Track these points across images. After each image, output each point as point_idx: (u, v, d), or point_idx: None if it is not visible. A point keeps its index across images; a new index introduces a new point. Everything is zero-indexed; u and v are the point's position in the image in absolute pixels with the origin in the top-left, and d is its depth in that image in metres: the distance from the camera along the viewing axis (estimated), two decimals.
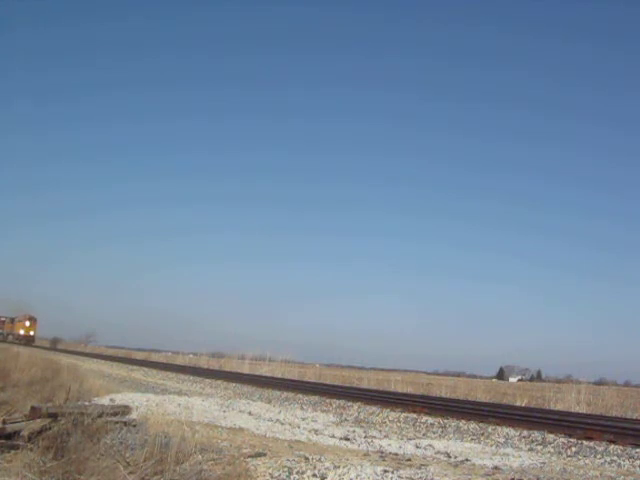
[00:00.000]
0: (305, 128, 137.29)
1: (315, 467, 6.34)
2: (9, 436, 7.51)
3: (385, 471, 6.20)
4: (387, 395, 19.87)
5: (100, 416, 8.30)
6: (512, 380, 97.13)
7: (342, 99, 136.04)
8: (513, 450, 9.35)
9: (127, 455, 6.56)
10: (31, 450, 7.03)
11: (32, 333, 71.01)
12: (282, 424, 10.90)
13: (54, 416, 7.97)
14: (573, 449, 9.47)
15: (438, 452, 8.56)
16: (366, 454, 7.80)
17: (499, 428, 11.41)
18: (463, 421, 12.29)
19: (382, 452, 8.12)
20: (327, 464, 6.47)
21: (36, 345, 62.60)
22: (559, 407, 19.32)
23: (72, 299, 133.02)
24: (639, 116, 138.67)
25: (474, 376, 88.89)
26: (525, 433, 10.81)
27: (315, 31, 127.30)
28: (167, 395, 15.04)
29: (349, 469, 6.22)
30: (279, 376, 32.60)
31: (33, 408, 8.26)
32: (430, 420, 12.70)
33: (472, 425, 11.86)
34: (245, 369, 38.31)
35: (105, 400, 12.06)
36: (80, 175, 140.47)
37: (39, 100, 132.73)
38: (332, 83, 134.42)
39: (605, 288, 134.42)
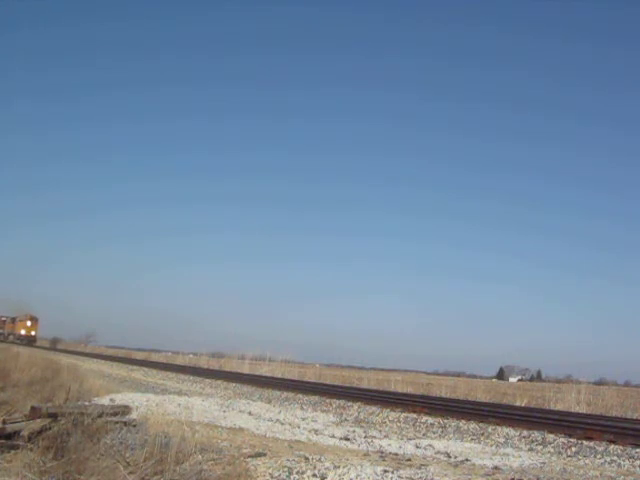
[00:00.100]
0: (305, 128, 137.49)
1: (315, 467, 6.34)
2: (9, 436, 7.51)
3: (385, 471, 6.20)
4: (387, 395, 19.87)
5: (100, 416, 8.30)
6: (512, 380, 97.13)
7: (342, 99, 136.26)
8: (513, 450, 9.35)
9: (127, 455, 6.56)
10: (31, 450, 7.03)
11: (33, 333, 70.23)
12: (282, 424, 10.90)
13: (54, 416, 7.97)
14: (573, 449, 9.47)
15: (438, 452, 8.56)
16: (366, 454, 7.80)
17: (499, 428, 11.41)
18: (463, 421, 12.29)
19: (382, 452, 8.12)
20: (327, 464, 6.47)
21: (36, 345, 62.36)
22: (559, 407, 19.32)
23: (72, 299, 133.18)
24: (639, 116, 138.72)
25: (474, 376, 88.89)
26: (525, 433, 10.81)
27: (315, 31, 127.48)
28: (167, 395, 15.04)
29: (349, 469, 6.23)
30: (279, 376, 32.59)
31: (33, 408, 8.26)
32: (430, 420, 12.70)
33: (472, 425, 11.86)
34: (245, 369, 38.31)
35: (105, 400, 12.06)
36: (80, 175, 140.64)
37: (39, 100, 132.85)
38: (332, 83, 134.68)
39: (605, 288, 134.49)
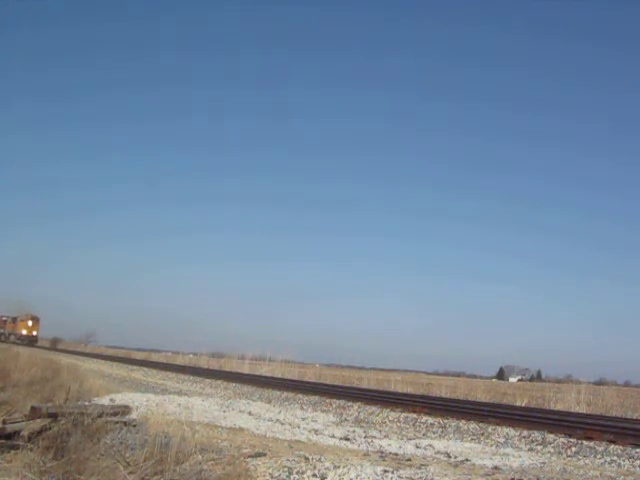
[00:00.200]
0: (305, 128, 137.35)
1: (315, 467, 6.35)
2: (9, 436, 7.51)
3: (385, 471, 6.20)
4: (387, 395, 19.88)
5: (100, 416, 8.31)
6: (512, 380, 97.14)
7: (342, 99, 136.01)
8: (513, 450, 9.35)
9: (127, 455, 6.56)
10: (31, 450, 7.03)
11: (35, 333, 69.30)
12: (282, 424, 10.90)
13: (54, 416, 7.97)
14: (573, 449, 9.47)
15: (438, 452, 8.56)
16: (366, 454, 7.80)
17: (499, 428, 11.41)
18: (463, 421, 12.29)
19: (382, 452, 8.12)
20: (327, 464, 6.48)
21: (37, 345, 62.22)
22: (559, 407, 19.32)
23: (72, 299, 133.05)
24: (639, 116, 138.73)
25: (474, 376, 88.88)
26: (525, 433, 10.81)
27: (315, 31, 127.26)
28: (167, 395, 15.05)
29: (349, 469, 6.23)
30: (279, 376, 32.60)
31: (33, 408, 8.26)
32: (430, 420, 12.70)
33: (472, 425, 11.87)
34: (245, 369, 38.31)
35: (105, 400, 12.06)
36: (80, 175, 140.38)
37: (39, 100, 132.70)
38: (332, 83, 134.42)
39: (605, 288, 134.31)
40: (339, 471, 6.18)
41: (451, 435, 11.03)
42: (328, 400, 16.59)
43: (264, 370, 37.42)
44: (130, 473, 5.85)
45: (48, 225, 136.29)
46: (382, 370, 68.25)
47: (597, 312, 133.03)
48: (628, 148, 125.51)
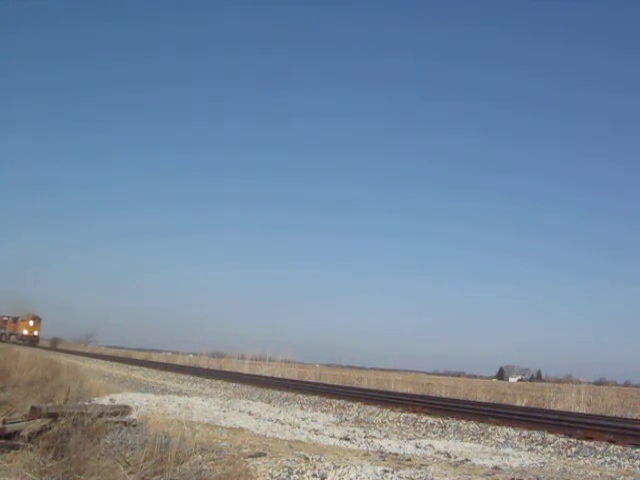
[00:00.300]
0: (305, 128, 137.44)
1: (315, 467, 6.35)
2: (9, 436, 7.51)
3: (385, 471, 6.20)
4: (387, 395, 19.87)
5: (100, 416, 8.30)
6: (512, 380, 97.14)
7: (342, 99, 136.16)
8: (513, 450, 9.35)
9: (127, 455, 6.56)
10: (31, 450, 7.03)
11: (36, 333, 68.56)
12: (282, 424, 10.90)
13: (54, 416, 7.97)
14: (573, 449, 9.47)
15: (438, 452, 8.56)
16: (366, 454, 7.80)
17: (499, 428, 11.41)
18: (463, 421, 12.29)
19: (382, 452, 8.12)
20: (327, 464, 6.48)
21: (37, 345, 61.96)
22: (559, 407, 19.32)
23: (72, 299, 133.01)
24: (639, 116, 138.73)
25: (474, 376, 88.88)
26: (525, 433, 10.81)
27: (315, 31, 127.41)
28: (167, 395, 15.05)
29: (349, 469, 6.23)
30: (279, 376, 32.60)
31: (33, 408, 8.26)
32: (430, 420, 12.70)
33: (472, 425, 11.86)
34: (245, 369, 38.31)
35: (105, 400, 12.06)
36: (80, 175, 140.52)
37: (39, 100, 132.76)
38: (332, 83, 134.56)
39: (605, 288, 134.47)
40: (339, 471, 6.18)
41: (451, 435, 11.03)
42: (328, 400, 16.58)
43: (264, 370, 37.41)
44: (130, 473, 5.85)
45: (48, 225, 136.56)
46: (382, 370, 68.27)
47: (597, 312, 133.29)
48: (628, 148, 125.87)
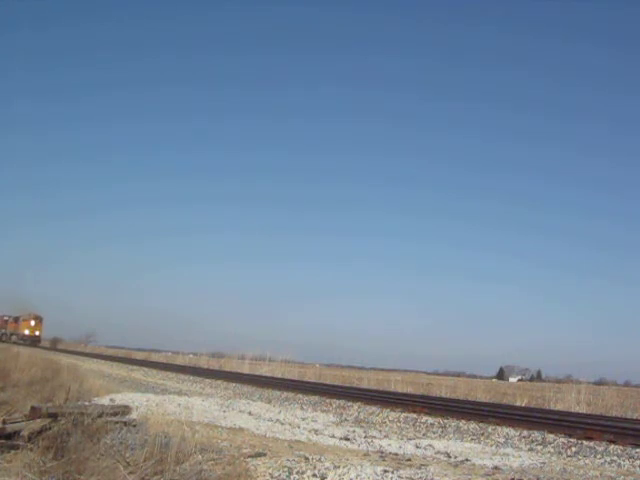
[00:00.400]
0: (305, 128, 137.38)
1: (315, 467, 6.35)
2: (9, 436, 7.51)
3: (385, 471, 6.20)
4: (387, 395, 19.87)
5: (100, 416, 8.30)
6: (512, 380, 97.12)
7: (342, 99, 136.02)
8: (513, 450, 9.35)
9: (127, 455, 6.56)
10: (31, 450, 7.03)
11: (38, 333, 67.70)
12: (282, 424, 10.90)
13: (54, 416, 7.97)
14: (573, 449, 9.47)
15: (438, 452, 8.56)
16: (366, 454, 7.80)
17: (499, 428, 11.41)
18: (463, 421, 12.29)
19: (382, 452, 8.12)
20: (327, 464, 6.48)
21: (39, 345, 61.43)
22: (559, 407, 19.32)
23: (72, 299, 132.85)
24: (639, 116, 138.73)
25: (474, 376, 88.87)
26: (525, 433, 10.81)
27: (315, 31, 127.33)
28: (167, 395, 15.05)
29: (349, 469, 6.23)
30: (279, 376, 32.59)
31: (33, 408, 8.26)
32: (430, 420, 12.70)
33: (472, 425, 11.86)
34: (245, 369, 38.30)
35: (105, 400, 12.06)
36: (80, 175, 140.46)
37: (39, 100, 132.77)
38: (332, 83, 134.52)
39: (605, 288, 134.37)
40: (339, 471, 6.18)
41: (451, 435, 11.03)
42: (328, 400, 16.58)
43: (264, 370, 37.41)
44: (130, 473, 5.85)
45: (48, 225, 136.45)
46: (382, 370, 68.23)
47: (597, 312, 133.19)
48: (628, 148, 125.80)
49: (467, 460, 7.77)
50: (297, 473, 6.14)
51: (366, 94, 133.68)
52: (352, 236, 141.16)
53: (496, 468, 7.15)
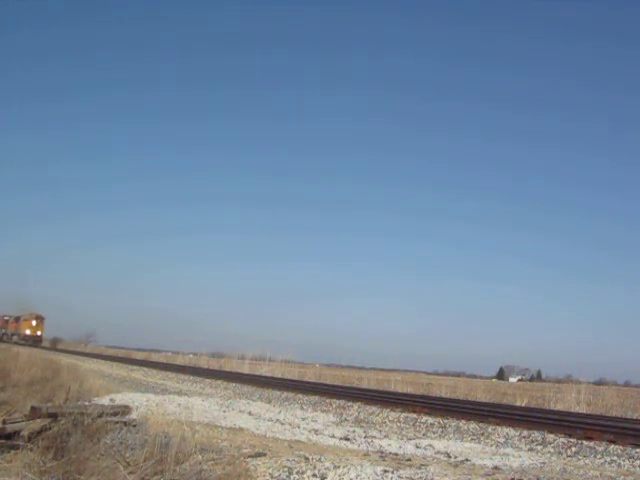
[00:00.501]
0: (305, 128, 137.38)
1: (315, 467, 6.35)
2: (9, 436, 7.51)
3: (385, 471, 6.20)
4: (387, 395, 19.87)
5: (100, 416, 8.31)
6: (512, 380, 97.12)
7: (342, 99, 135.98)
8: (513, 450, 9.35)
9: (127, 455, 6.56)
10: (31, 450, 7.03)
11: (39, 333, 66.66)
12: (282, 424, 10.90)
13: (54, 416, 7.97)
14: (573, 449, 9.47)
15: (438, 452, 8.56)
16: (366, 454, 7.80)
17: (499, 428, 11.41)
18: (463, 421, 12.29)
19: (382, 452, 8.12)
20: (327, 464, 6.48)
21: (40, 346, 60.79)
22: (559, 407, 19.32)
23: (72, 299, 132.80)
24: (639, 116, 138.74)
25: (474, 376, 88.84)
26: (525, 433, 10.81)
27: (315, 31, 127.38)
28: (167, 395, 15.05)
29: (349, 469, 6.23)
30: (279, 376, 32.59)
31: (33, 408, 8.26)
32: (430, 420, 12.70)
33: (472, 425, 11.86)
34: (245, 369, 38.30)
35: (105, 400, 12.06)
36: (80, 175, 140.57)
37: (39, 100, 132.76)
38: (332, 83, 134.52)
39: (605, 288, 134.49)
40: (339, 471, 6.18)
41: (451, 435, 11.03)
42: (328, 400, 16.58)
43: (264, 370, 37.41)
44: (130, 473, 5.85)
45: (48, 225, 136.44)
46: (382, 370, 68.20)
47: (597, 312, 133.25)
48: (628, 148, 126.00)
49: (467, 460, 7.77)
50: (297, 473, 6.15)
51: (366, 94, 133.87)
52: (352, 236, 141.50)
53: (496, 468, 7.15)
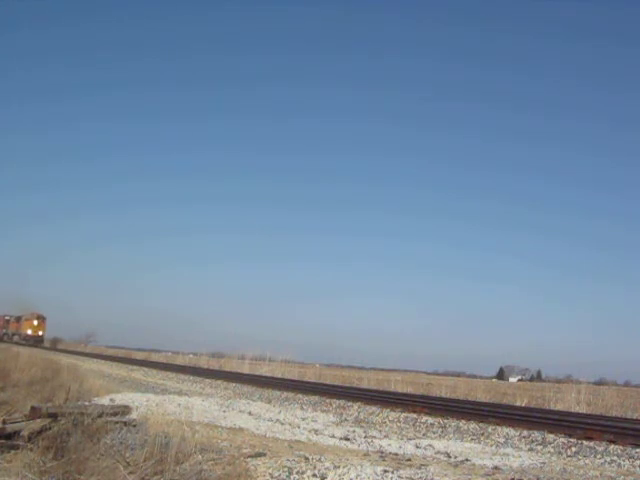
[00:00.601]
0: (305, 128, 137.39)
1: (315, 467, 6.35)
2: (9, 436, 7.51)
3: (385, 471, 6.21)
4: (387, 395, 19.87)
5: (100, 416, 8.31)
6: (512, 380, 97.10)
7: (342, 99, 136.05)
8: (513, 450, 9.35)
9: (127, 455, 6.57)
10: (31, 450, 7.04)
11: (41, 333, 66.04)
12: (282, 424, 10.90)
13: (54, 416, 7.97)
14: (573, 449, 9.47)
15: (438, 452, 8.56)
16: (366, 454, 7.80)
17: (499, 428, 11.41)
18: (463, 421, 12.29)
19: (382, 452, 8.13)
20: (327, 464, 6.48)
21: (42, 346, 60.47)
22: (559, 407, 19.32)
23: (72, 299, 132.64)
24: (639, 116, 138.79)
25: (474, 376, 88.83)
26: (525, 433, 10.81)
27: (315, 31, 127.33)
28: (167, 395, 15.05)
29: (349, 469, 6.23)
30: (279, 376, 32.59)
31: (33, 408, 8.27)
32: (430, 420, 12.70)
33: (472, 425, 11.86)
34: (245, 369, 38.30)
35: (105, 400, 12.06)
36: (80, 175, 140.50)
37: (39, 100, 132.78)
38: (332, 83, 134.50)
39: (605, 288, 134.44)
40: (339, 471, 6.18)
41: (451, 435, 11.03)
42: (328, 400, 16.58)
43: (264, 370, 37.41)
44: (130, 473, 5.86)
45: (48, 225, 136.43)
46: (382, 370, 68.19)
47: (597, 312, 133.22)
48: (628, 148, 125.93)
49: (467, 460, 7.77)
50: (297, 473, 6.15)
51: (366, 94, 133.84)
52: (352, 236, 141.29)
53: (496, 468, 7.15)
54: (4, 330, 68.11)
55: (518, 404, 20.26)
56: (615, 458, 8.72)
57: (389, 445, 8.98)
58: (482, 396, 23.89)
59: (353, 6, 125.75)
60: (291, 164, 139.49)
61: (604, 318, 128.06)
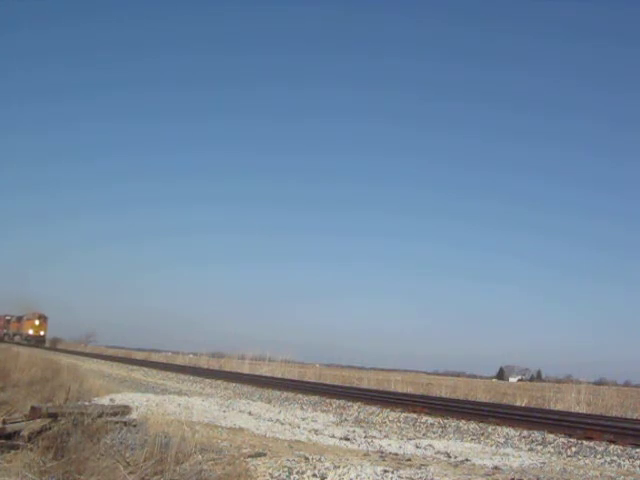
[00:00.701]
0: (305, 128, 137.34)
1: (315, 467, 6.35)
2: (9, 436, 7.51)
3: (385, 471, 6.21)
4: (387, 395, 19.87)
5: (100, 416, 8.31)
6: (512, 380, 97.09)
7: (342, 99, 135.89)
8: (513, 450, 9.35)
9: (127, 455, 6.57)
10: (31, 450, 7.04)
11: (42, 333, 65.41)
12: (282, 424, 10.90)
13: (54, 416, 7.97)
14: (573, 449, 9.47)
15: (438, 452, 8.56)
16: (366, 454, 7.80)
17: (499, 428, 11.41)
18: (463, 421, 12.29)
19: (382, 452, 8.13)
20: (327, 464, 6.48)
21: (43, 346, 60.22)
22: (559, 407, 19.32)
23: (72, 299, 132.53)
24: (639, 116, 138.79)
25: (474, 376, 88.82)
26: (525, 433, 10.81)
27: (315, 31, 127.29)
28: (167, 395, 15.05)
29: (349, 469, 6.23)
30: (279, 376, 32.59)
31: (33, 408, 8.27)
32: (430, 420, 12.70)
33: (472, 425, 11.86)
34: (245, 369, 38.30)
35: (105, 400, 12.06)
36: (80, 175, 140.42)
37: (39, 100, 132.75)
38: (332, 83, 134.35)
39: (605, 288, 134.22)
40: (339, 471, 6.18)
41: (451, 435, 11.03)
42: (328, 400, 16.58)
43: (264, 370, 37.41)
44: (130, 473, 5.86)
45: (48, 225, 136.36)
46: (382, 370, 68.17)
47: (597, 312, 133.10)
48: (629, 147, 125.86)
49: (467, 460, 7.77)
50: (297, 473, 6.15)
51: (366, 94, 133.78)
52: (352, 236, 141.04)
53: (496, 468, 7.15)
54: (5, 330, 67.58)
55: (518, 404, 20.26)
56: (615, 458, 8.72)
57: (389, 445, 8.98)
58: (482, 396, 23.89)
59: (353, 6, 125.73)
60: (291, 164, 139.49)
61: (604, 318, 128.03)
